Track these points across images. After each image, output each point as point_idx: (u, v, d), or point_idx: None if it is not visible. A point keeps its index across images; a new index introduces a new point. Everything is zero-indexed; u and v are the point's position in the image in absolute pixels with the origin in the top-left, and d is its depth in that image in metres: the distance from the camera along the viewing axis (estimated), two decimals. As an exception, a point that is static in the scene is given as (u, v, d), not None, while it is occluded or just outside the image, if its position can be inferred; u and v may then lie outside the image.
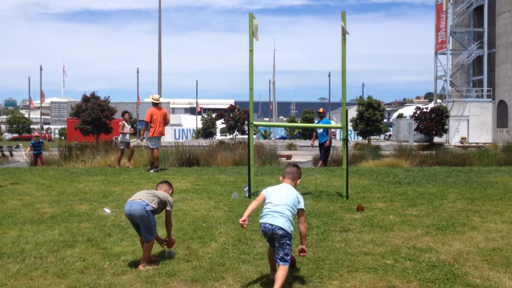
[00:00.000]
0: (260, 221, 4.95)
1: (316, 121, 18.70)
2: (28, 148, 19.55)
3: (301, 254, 5.03)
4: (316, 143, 17.93)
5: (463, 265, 5.50)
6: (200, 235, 6.79)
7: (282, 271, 4.73)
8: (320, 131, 17.26)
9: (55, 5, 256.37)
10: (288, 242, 4.82)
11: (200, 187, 11.07)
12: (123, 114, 16.63)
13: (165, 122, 14.85)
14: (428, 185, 11.51)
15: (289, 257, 4.83)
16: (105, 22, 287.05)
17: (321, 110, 18.04)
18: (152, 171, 14.20)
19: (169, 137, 49.35)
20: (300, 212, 4.98)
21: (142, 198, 5.56)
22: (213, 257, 5.78)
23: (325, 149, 17.04)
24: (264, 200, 5.04)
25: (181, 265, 5.50)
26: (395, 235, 6.78)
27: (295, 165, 5.42)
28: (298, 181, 5.25)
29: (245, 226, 4.93)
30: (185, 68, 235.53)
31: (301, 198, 5.03)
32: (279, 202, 4.90)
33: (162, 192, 5.89)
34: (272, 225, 4.81)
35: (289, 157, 23.45)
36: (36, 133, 22.43)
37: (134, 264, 5.52)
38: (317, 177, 12.89)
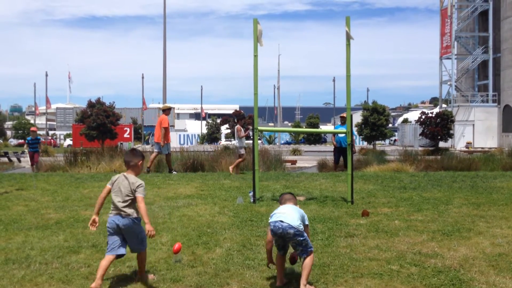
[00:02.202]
0: (270, 220, 5.00)
1: (334, 127, 18.42)
2: (25, 145, 18.19)
3: (293, 261, 5.18)
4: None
5: (469, 270, 5.47)
6: (204, 240, 6.79)
7: (308, 260, 4.87)
8: (342, 135, 16.90)
9: (60, 11, 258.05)
10: (301, 238, 4.89)
11: (205, 192, 11.07)
12: (238, 119, 16.62)
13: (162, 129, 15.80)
14: (434, 190, 11.47)
15: (311, 248, 4.95)
16: (110, 28, 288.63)
17: (344, 115, 17.84)
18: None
19: (174, 142, 49.46)
20: (305, 228, 5.04)
21: None
22: (218, 262, 5.77)
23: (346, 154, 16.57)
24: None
25: (186, 271, 5.50)
26: (400, 241, 6.75)
27: (290, 193, 5.44)
28: (296, 203, 5.32)
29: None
30: (189, 74, 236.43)
31: (306, 216, 5.11)
32: (288, 209, 5.03)
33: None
34: (282, 223, 4.86)
35: (294, 162, 23.42)
36: (33, 128, 19.89)
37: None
38: (322, 182, 12.87)
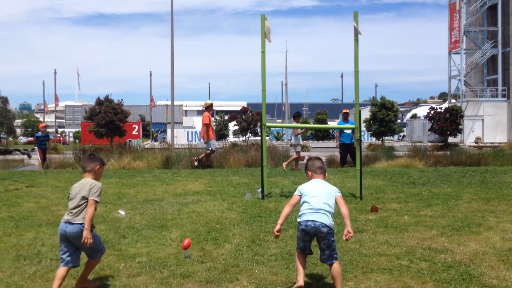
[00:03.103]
0: (300, 219, 4.78)
1: (337, 122, 18.35)
2: (34, 142, 17.49)
3: (347, 236, 4.75)
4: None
5: (479, 265, 5.46)
6: (214, 236, 6.81)
7: (338, 268, 4.72)
8: (348, 131, 16.92)
9: (68, 9, 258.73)
10: (333, 239, 4.76)
11: (213, 189, 11.10)
12: (295, 116, 16.58)
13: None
14: (443, 185, 11.43)
15: (336, 253, 4.78)
16: (118, 25, 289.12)
17: (346, 110, 17.80)
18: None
19: (182, 139, 49.54)
20: (339, 199, 4.91)
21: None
22: (227, 258, 5.79)
23: (353, 150, 16.54)
24: (298, 202, 4.92)
25: (196, 266, 5.52)
26: (410, 236, 6.74)
27: (319, 158, 5.27)
28: (326, 174, 5.22)
29: (279, 235, 4.93)
30: (197, 71, 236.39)
31: (336, 188, 5.02)
32: (319, 200, 4.80)
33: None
34: (315, 222, 4.69)
35: (302, 158, 23.36)
36: (42, 124, 18.98)
37: (149, 266, 5.54)
38: (331, 178, 12.85)
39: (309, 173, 5.15)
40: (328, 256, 4.74)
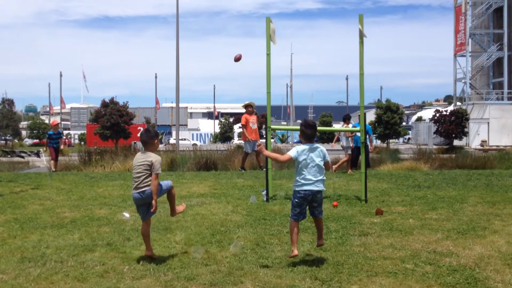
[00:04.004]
0: (300, 188, 5.57)
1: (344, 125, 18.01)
2: (45, 140, 16.62)
3: (328, 169, 5.83)
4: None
5: (484, 269, 5.43)
6: (218, 239, 6.80)
7: (322, 222, 5.83)
8: (359, 134, 16.80)
9: (74, 12, 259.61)
10: (322, 197, 5.74)
11: (218, 191, 11.09)
12: (344, 119, 16.37)
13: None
14: (448, 188, 11.39)
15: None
16: (123, 28, 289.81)
17: (349, 115, 17.64)
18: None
19: (187, 141, 49.55)
20: (326, 164, 5.71)
21: None
22: (232, 261, 5.78)
23: (359, 153, 16.40)
24: (289, 159, 5.66)
25: (200, 269, 5.52)
26: (415, 239, 6.71)
27: (313, 125, 5.81)
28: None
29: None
30: (202, 73, 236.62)
31: (325, 151, 5.74)
32: (316, 168, 5.60)
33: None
34: (312, 191, 5.56)
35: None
36: (54, 121, 18.25)
37: (153, 268, 5.54)
38: (336, 181, 12.83)
39: (301, 137, 5.80)
40: (320, 212, 5.76)
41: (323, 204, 5.89)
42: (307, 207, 5.73)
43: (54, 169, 16.06)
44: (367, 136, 16.36)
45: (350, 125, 16.17)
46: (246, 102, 16.22)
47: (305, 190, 5.55)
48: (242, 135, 16.05)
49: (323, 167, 5.68)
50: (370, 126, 16.58)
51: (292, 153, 5.63)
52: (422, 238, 6.76)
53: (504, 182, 12.37)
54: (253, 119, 15.69)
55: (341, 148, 16.50)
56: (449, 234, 6.99)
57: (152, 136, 5.96)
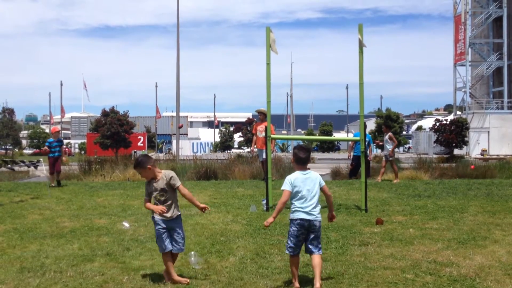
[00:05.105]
0: (295, 216, 5.22)
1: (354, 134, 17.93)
2: (45, 148, 14.99)
3: (332, 220, 5.60)
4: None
5: (484, 279, 5.41)
6: (218, 249, 6.79)
7: (319, 259, 5.21)
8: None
9: (75, 21, 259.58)
10: (320, 229, 5.29)
11: (218, 201, 11.08)
12: (386, 124, 16.38)
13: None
14: (449, 198, 11.37)
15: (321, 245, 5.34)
16: (124, 37, 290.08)
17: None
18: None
19: (187, 150, 49.59)
20: (324, 188, 5.35)
21: None
22: (232, 271, 5.77)
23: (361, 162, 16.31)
24: (289, 196, 5.27)
25: (200, 280, 5.50)
26: (415, 249, 6.70)
27: (307, 149, 5.56)
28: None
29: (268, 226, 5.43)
30: (203, 82, 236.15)
31: (320, 177, 5.39)
32: (312, 194, 5.25)
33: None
34: (309, 220, 5.18)
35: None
36: (55, 128, 16.30)
37: (152, 278, 5.52)
38: (336, 190, 12.82)
39: (294, 164, 5.48)
40: (317, 248, 5.25)
41: None
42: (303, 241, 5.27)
43: (52, 184, 14.17)
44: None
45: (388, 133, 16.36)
46: (258, 109, 15.43)
47: (302, 219, 5.17)
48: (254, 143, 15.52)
49: (318, 194, 5.29)
50: (370, 136, 16.53)
51: (286, 187, 5.26)
52: (423, 248, 6.75)
53: (504, 192, 12.35)
54: (261, 127, 14.88)
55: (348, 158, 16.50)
56: (450, 244, 6.97)
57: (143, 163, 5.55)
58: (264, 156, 14.43)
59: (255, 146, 15.11)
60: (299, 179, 5.28)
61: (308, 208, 5.20)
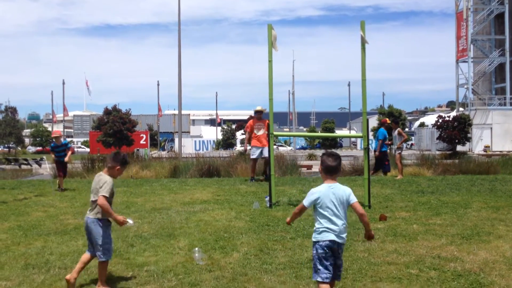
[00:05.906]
0: (323, 238, 4.45)
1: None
2: (52, 154, 13.83)
3: (370, 239, 4.87)
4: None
5: (489, 274, 5.41)
6: (222, 245, 6.80)
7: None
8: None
9: (75, 20, 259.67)
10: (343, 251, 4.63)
11: (221, 198, 11.09)
12: (395, 121, 16.18)
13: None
14: (452, 194, 11.37)
15: None
16: (125, 36, 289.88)
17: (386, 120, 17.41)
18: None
19: (189, 148, 49.63)
20: (355, 206, 4.56)
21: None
22: (235, 267, 5.78)
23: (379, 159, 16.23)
24: (303, 211, 4.63)
25: (204, 275, 5.51)
26: (419, 245, 6.70)
27: (337, 156, 4.72)
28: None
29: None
30: (204, 80, 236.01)
31: (350, 191, 4.60)
32: (340, 213, 4.50)
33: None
34: (338, 243, 4.48)
35: (309, 167, 23.38)
36: (56, 132, 14.81)
37: (157, 274, 5.54)
38: (339, 187, 12.80)
39: (323, 174, 4.70)
40: (340, 273, 4.60)
41: None
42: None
43: (60, 188, 13.01)
44: (377, 141, 16.25)
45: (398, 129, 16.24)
46: (257, 108, 15.14)
47: (331, 241, 4.42)
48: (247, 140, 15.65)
49: (345, 210, 4.57)
50: (386, 132, 16.26)
51: (305, 202, 4.55)
52: (426, 244, 6.75)
53: (507, 187, 12.34)
54: (259, 124, 14.81)
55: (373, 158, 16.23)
56: (453, 239, 6.97)
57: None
58: (257, 154, 14.37)
59: (248, 144, 15.07)
60: (325, 194, 4.51)
61: (337, 229, 4.46)
